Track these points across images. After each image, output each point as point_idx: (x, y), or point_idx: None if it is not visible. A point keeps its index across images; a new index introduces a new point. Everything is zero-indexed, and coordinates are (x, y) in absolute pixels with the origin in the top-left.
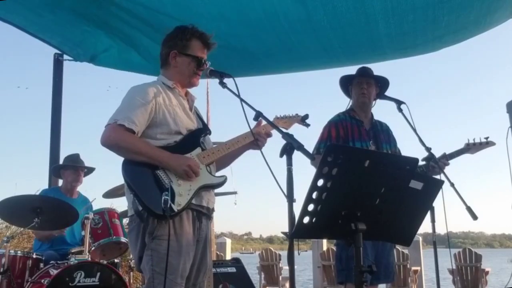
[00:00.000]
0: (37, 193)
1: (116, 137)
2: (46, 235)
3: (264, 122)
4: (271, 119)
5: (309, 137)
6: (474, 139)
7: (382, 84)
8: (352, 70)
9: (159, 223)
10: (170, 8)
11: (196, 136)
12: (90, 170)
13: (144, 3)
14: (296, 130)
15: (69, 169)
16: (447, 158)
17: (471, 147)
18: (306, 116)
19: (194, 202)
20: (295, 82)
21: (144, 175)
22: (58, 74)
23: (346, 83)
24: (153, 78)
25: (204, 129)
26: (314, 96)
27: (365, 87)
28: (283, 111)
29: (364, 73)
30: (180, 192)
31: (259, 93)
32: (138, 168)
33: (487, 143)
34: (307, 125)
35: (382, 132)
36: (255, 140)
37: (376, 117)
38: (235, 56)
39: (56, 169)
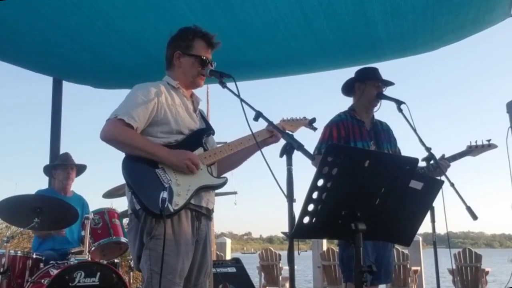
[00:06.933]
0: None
1: (115, 131)
2: (44, 234)
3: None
4: (275, 121)
5: (309, 137)
6: (476, 142)
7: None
8: (351, 71)
9: (157, 223)
10: (166, 28)
11: (198, 136)
12: (81, 167)
13: (136, 24)
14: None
15: (59, 168)
16: (448, 159)
17: (473, 150)
18: (314, 120)
19: (193, 202)
20: (296, 82)
21: (143, 173)
22: None
23: (354, 80)
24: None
25: (207, 129)
26: (316, 96)
27: (383, 90)
28: (283, 110)
29: (380, 76)
30: (178, 192)
31: (259, 92)
32: (138, 167)
33: (489, 146)
34: (315, 129)
35: (383, 132)
36: (270, 136)
37: (376, 117)
38: (235, 67)
39: (47, 170)
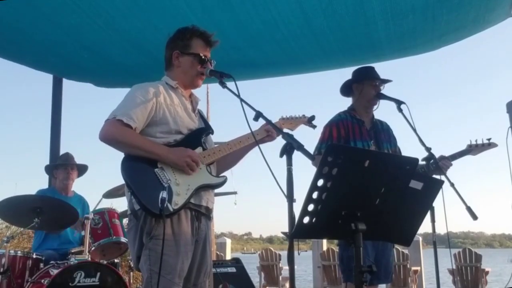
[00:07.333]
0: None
1: (114, 132)
2: None
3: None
4: (274, 120)
5: (310, 136)
6: (476, 140)
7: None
8: (351, 70)
9: (157, 223)
10: (166, 28)
11: (197, 136)
12: (82, 167)
13: (137, 23)
14: (298, 130)
15: (60, 168)
16: (448, 159)
17: (473, 149)
18: (313, 117)
19: (193, 201)
20: (296, 81)
21: (142, 173)
22: None
23: (351, 81)
24: None
25: (206, 129)
26: (315, 95)
27: (381, 89)
28: (283, 110)
29: (377, 74)
30: (178, 191)
31: (260, 92)
32: (137, 167)
33: (489, 145)
34: (314, 126)
35: (382, 131)
36: (267, 135)
37: (376, 117)
38: (235, 67)
39: (48, 170)
